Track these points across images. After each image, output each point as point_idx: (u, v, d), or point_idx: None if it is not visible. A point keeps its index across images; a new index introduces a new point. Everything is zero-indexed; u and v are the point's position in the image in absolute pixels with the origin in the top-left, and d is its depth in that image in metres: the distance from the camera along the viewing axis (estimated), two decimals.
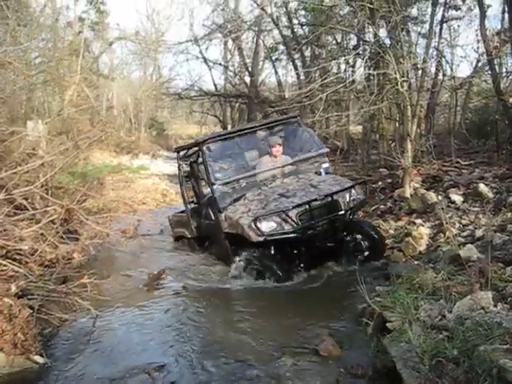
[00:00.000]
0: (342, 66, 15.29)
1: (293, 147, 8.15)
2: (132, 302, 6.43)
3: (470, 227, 6.82)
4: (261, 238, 6.51)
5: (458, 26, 15.14)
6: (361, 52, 11.69)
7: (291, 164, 7.81)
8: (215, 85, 27.91)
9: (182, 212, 9.26)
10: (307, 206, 6.68)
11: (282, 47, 21.92)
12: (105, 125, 20.85)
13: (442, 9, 13.97)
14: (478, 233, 6.35)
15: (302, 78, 17.80)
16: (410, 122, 9.95)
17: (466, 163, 11.32)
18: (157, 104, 31.63)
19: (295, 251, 7.02)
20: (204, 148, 7.55)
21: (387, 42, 10.74)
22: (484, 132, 14.16)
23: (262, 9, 20.03)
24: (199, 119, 33.62)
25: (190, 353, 4.97)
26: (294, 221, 6.57)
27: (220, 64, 27.50)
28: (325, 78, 10.89)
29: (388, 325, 4.44)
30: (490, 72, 13.44)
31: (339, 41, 17.60)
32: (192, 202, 8.90)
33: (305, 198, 6.86)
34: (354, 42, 16.21)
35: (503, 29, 13.82)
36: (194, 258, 8.51)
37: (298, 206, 6.64)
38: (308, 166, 7.90)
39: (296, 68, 20.73)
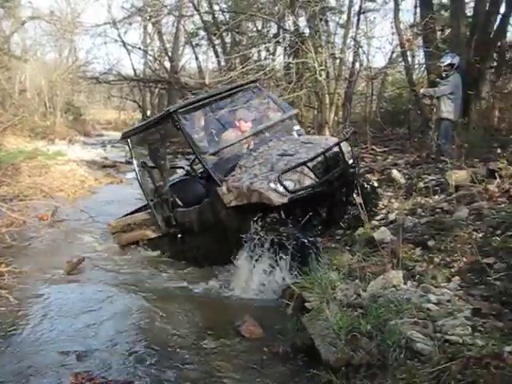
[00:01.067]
0: (263, 54, 15.49)
1: (257, 113, 7.51)
2: (50, 290, 6.27)
3: (384, 211, 7.13)
4: (285, 200, 5.64)
5: (374, 17, 15.73)
6: (281, 40, 11.92)
7: (266, 129, 7.13)
8: (134, 69, 27.49)
9: (128, 215, 8.03)
10: (321, 159, 6.01)
11: (202, 33, 21.87)
12: (18, 109, 19.93)
13: (359, 0, 14.42)
14: (391, 216, 6.65)
15: (223, 64, 17.83)
16: (328, 109, 10.27)
17: (380, 150, 11.82)
18: (73, 88, 30.56)
19: (313, 214, 6.16)
20: (180, 118, 6.44)
21: (306, 31, 10.99)
22: (397, 120, 14.83)
23: None
24: (118, 104, 32.92)
25: (110, 341, 4.88)
26: (313, 175, 5.87)
27: (139, 48, 27.08)
28: (245, 66, 10.99)
29: (307, 304, 4.61)
30: (403, 63, 14.06)
31: (260, 28, 17.78)
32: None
33: (310, 153, 6.14)
34: (274, 30, 16.45)
35: (416, 22, 14.47)
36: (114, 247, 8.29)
37: (315, 158, 5.94)
38: (280, 129, 7.28)
39: (217, 54, 20.76)
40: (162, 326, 5.18)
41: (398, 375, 3.22)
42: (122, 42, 25.51)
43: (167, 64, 25.54)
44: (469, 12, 12.56)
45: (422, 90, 10.28)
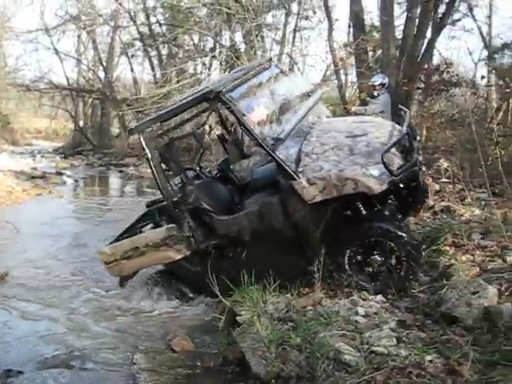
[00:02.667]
0: (199, 68, 15.53)
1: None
2: None
3: None
4: (385, 186, 4.72)
5: (309, 36, 16.09)
6: (217, 55, 11.97)
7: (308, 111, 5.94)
8: (67, 78, 26.75)
9: (129, 230, 6.29)
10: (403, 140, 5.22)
11: (138, 44, 21.67)
12: None
13: (295, 18, 14.76)
14: None
15: (159, 76, 17.73)
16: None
17: None
18: (1, 95, 29.48)
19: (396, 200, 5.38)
20: (230, 100, 5.08)
21: (242, 46, 11.12)
22: None
23: (119, 3, 19.64)
24: (49, 113, 31.96)
25: (35, 361, 4.68)
26: (400, 156, 5.08)
27: (73, 57, 26.45)
28: (181, 79, 10.99)
29: (238, 318, 4.64)
30: (336, 81, 14.44)
31: (196, 42, 17.83)
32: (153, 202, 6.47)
33: (382, 132, 5.40)
34: (210, 44, 16.53)
35: (349, 42, 14.94)
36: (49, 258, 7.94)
37: (405, 135, 5.19)
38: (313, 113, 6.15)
39: (152, 66, 20.61)
40: (91, 344, 5.02)
41: None
42: (55, 49, 24.92)
43: (101, 74, 25.12)
44: (398, 35, 13.09)
45: (353, 108, 10.56)
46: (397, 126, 5.56)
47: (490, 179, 6.61)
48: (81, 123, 27.03)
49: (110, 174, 18.02)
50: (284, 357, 3.77)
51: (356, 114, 10.09)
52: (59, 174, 16.91)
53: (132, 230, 6.24)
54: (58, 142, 27.88)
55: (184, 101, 5.65)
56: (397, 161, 4.93)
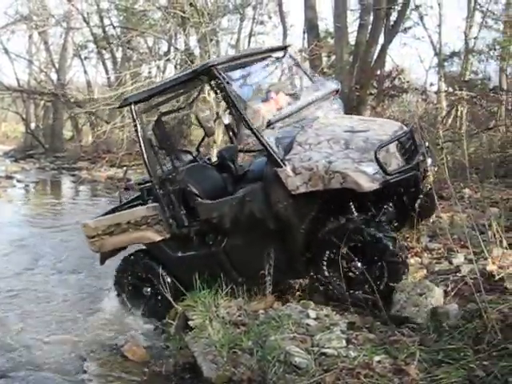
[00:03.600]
0: (153, 71, 15.42)
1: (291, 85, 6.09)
2: None
3: None
4: (376, 185, 4.32)
5: (263, 41, 16.20)
6: (171, 58, 11.91)
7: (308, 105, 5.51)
8: (18, 79, 26.07)
9: (115, 210, 6.06)
10: (403, 139, 4.80)
11: (92, 46, 21.34)
12: None
13: (250, 23, 14.85)
14: None
15: (113, 79, 17.51)
16: (217, 129, 10.38)
17: None
18: None
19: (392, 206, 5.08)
20: (222, 75, 4.79)
21: (197, 50, 11.11)
22: None
23: (72, 4, 19.31)
24: None
25: None
26: (400, 156, 4.67)
27: (24, 58, 25.81)
28: (135, 82, 10.89)
29: (190, 323, 4.63)
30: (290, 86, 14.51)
31: (151, 45, 17.70)
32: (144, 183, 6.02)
33: (386, 130, 5.05)
34: (165, 47, 16.44)
35: (304, 48, 15.11)
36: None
37: (405, 134, 4.78)
38: (320, 107, 5.73)
39: (106, 69, 20.33)
40: (41, 353, 4.91)
41: None
42: (5, 49, 24.26)
43: (54, 76, 24.60)
44: (352, 41, 13.32)
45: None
46: (404, 127, 5.24)
47: (438, 183, 6.82)
48: (32, 126, 26.37)
49: (63, 177, 17.66)
50: (235, 360, 3.79)
51: None
52: (9, 177, 16.46)
53: (121, 208, 6.09)
54: (9, 145, 27.10)
55: (178, 75, 5.42)
56: (396, 162, 4.58)
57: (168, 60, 12.18)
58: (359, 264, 4.41)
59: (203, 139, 6.65)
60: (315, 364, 3.46)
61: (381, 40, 12.05)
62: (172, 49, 13.27)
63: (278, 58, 5.95)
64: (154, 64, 14.17)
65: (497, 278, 3.98)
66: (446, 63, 15.59)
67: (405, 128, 5.15)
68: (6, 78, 25.38)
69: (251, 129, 4.67)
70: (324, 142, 4.75)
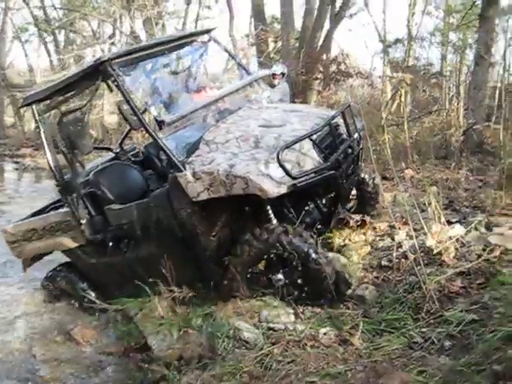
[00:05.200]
0: (98, 54, 15.09)
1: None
2: None
3: None
4: (283, 189, 3.93)
5: (210, 25, 16.09)
6: (116, 42, 11.72)
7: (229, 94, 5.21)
8: None
9: (36, 214, 5.66)
10: (323, 132, 4.46)
11: (33, 28, 20.66)
12: None
13: (197, 7, 14.75)
14: None
15: (56, 63, 17.06)
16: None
17: None
18: None
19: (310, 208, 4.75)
20: (116, 71, 4.32)
21: (142, 34, 10.98)
22: None
23: None
24: None
25: None
26: (316, 154, 4.31)
27: None
28: (79, 66, 10.66)
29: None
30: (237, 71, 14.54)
31: (95, 28, 17.32)
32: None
33: (306, 123, 4.63)
34: (110, 30, 16.13)
35: (250, 33, 15.14)
36: None
37: (320, 129, 4.32)
38: (246, 96, 5.44)
39: (49, 52, 19.76)
40: None
41: (227, 363, 3.40)
42: None
43: None
44: (298, 26, 13.43)
45: (253, 96, 10.75)
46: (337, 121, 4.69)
47: (382, 165, 7.04)
48: None
49: (5, 164, 17.11)
50: (185, 338, 3.85)
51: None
52: None
53: (43, 211, 5.70)
54: None
55: (73, 72, 4.88)
56: (310, 161, 4.22)
57: (113, 43, 12.00)
58: (279, 276, 4.08)
59: (127, 134, 6.38)
60: (264, 338, 3.56)
61: (327, 25, 12.20)
62: (117, 32, 13.07)
63: (202, 43, 5.59)
64: (98, 47, 13.88)
65: (435, 252, 4.17)
66: (390, 49, 15.94)
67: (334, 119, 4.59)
68: None
69: (148, 131, 4.35)
70: (232, 141, 4.42)
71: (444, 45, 13.04)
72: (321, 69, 12.54)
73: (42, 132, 4.93)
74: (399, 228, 4.92)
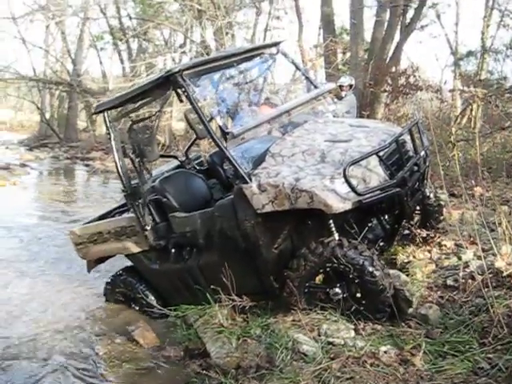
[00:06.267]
0: (168, 63, 15.48)
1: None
2: None
3: None
4: (348, 205, 3.91)
5: (279, 35, 16.21)
6: (187, 51, 11.97)
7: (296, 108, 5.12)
8: (34, 69, 26.28)
9: (102, 218, 5.86)
10: (390, 149, 4.37)
11: (108, 37, 21.46)
12: None
13: (266, 17, 14.88)
14: None
15: (128, 70, 17.61)
16: None
17: None
18: None
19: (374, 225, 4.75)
20: (186, 81, 4.44)
21: (212, 43, 11.15)
22: None
23: None
24: (15, 104, 31.34)
25: None
26: (383, 171, 4.23)
27: (40, 47, 26.01)
28: (150, 73, 10.96)
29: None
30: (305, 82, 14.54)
31: (166, 37, 17.78)
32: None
33: (373, 139, 4.56)
34: (181, 39, 16.50)
35: (319, 44, 15.12)
36: None
37: (388, 146, 4.25)
38: (313, 110, 5.45)
39: (122, 60, 20.45)
40: (52, 334, 5.02)
41: (284, 375, 3.38)
42: (22, 39, 24.45)
43: (69, 66, 24.77)
44: (367, 38, 13.33)
45: (320, 107, 10.73)
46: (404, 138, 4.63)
47: (450, 181, 6.84)
48: (47, 115, 26.60)
49: (76, 167, 17.81)
50: (244, 347, 3.87)
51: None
52: (24, 165, 16.63)
53: (108, 215, 5.90)
54: (23, 134, 27.35)
55: (145, 82, 5.01)
56: (376, 177, 4.15)
57: (184, 52, 12.26)
58: (337, 289, 4.05)
59: (193, 142, 6.43)
60: (322, 352, 3.52)
61: (396, 37, 12.04)
62: (188, 41, 13.36)
63: (270, 55, 5.62)
64: (169, 56, 14.23)
65: (505, 274, 4.00)
66: (461, 62, 15.54)
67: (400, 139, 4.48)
68: (23, 68, 25.64)
69: (215, 141, 4.39)
70: (298, 154, 4.41)
71: None
72: (389, 81, 12.37)
73: (112, 138, 5.06)
74: (466, 247, 4.77)
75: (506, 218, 4.50)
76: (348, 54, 14.09)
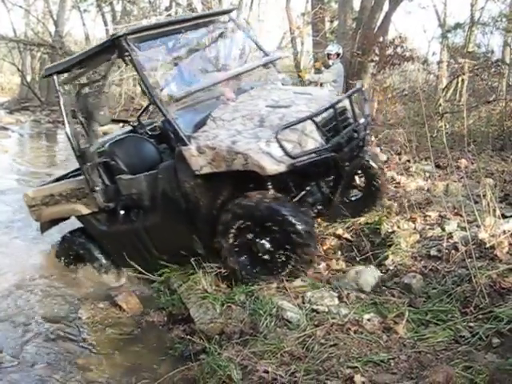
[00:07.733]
0: None
1: (229, 54, 5.81)
2: None
3: None
4: (282, 167, 4.07)
5: (267, 2, 15.99)
6: (172, 13, 11.74)
7: (243, 74, 5.30)
8: (14, 29, 25.59)
9: (59, 180, 5.96)
10: (328, 115, 4.46)
11: None
12: None
13: None
14: None
15: (112, 32, 17.24)
16: None
17: None
18: None
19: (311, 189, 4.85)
20: (131, 46, 4.46)
21: (199, 6, 10.94)
22: None
23: None
24: None
25: None
26: (319, 136, 4.33)
27: (21, 7, 25.29)
28: None
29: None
30: (292, 49, 14.46)
31: (152, 0, 17.40)
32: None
33: (312, 105, 4.63)
34: (166, 2, 16.18)
35: (307, 11, 14.93)
36: None
37: (323, 111, 4.33)
38: (261, 77, 5.56)
39: (105, 22, 20.00)
40: (35, 298, 5.04)
41: (268, 341, 3.40)
42: None
43: (51, 27, 24.15)
44: (356, 6, 13.15)
45: (307, 76, 10.63)
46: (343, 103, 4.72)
47: (436, 152, 6.86)
48: (28, 78, 26.03)
49: (58, 131, 17.53)
50: (228, 313, 3.88)
51: (310, 81, 10.17)
52: (4, 128, 16.32)
53: (64, 178, 5.98)
54: (4, 97, 26.79)
55: (92, 47, 5.09)
56: (312, 142, 4.26)
57: (169, 15, 11.98)
58: (267, 244, 4.18)
59: (146, 107, 6.49)
60: (306, 319, 3.54)
61: (385, 7, 11.90)
62: (173, 4, 13.07)
63: (221, 23, 5.66)
64: (154, 19, 13.93)
65: (488, 245, 4.04)
66: (449, 34, 15.44)
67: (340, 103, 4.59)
68: (2, 28, 24.98)
69: (157, 104, 4.49)
70: (238, 119, 4.53)
71: (509, 31, 12.52)
72: (377, 51, 12.28)
73: (61, 102, 5.12)
74: (450, 218, 4.80)
75: (491, 191, 4.53)
76: (336, 23, 13.93)
